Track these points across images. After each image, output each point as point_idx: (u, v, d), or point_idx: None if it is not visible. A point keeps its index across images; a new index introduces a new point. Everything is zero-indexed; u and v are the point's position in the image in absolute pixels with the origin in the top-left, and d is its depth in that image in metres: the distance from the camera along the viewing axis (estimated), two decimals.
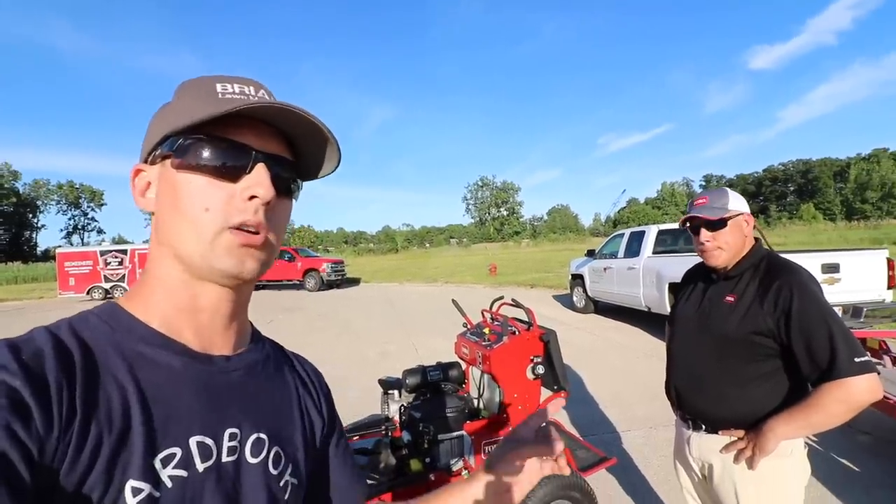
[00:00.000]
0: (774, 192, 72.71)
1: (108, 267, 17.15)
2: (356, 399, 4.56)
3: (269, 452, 0.50)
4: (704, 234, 1.42)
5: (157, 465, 0.40)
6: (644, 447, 3.38)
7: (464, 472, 2.11)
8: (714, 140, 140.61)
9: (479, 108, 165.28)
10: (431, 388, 2.57)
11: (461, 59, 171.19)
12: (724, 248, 1.41)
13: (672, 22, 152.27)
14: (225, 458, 0.46)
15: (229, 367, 0.51)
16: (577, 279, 9.83)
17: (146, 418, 0.41)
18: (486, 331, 2.54)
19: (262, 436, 0.50)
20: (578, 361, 5.61)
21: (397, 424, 2.57)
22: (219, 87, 0.49)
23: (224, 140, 0.47)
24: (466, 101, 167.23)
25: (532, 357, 2.36)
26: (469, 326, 2.82)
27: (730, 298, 1.39)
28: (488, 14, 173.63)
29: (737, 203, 1.43)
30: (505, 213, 76.72)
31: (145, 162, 0.51)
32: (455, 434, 2.24)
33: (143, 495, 0.39)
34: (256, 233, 0.47)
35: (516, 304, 2.58)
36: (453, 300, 3.03)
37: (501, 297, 2.93)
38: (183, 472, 0.42)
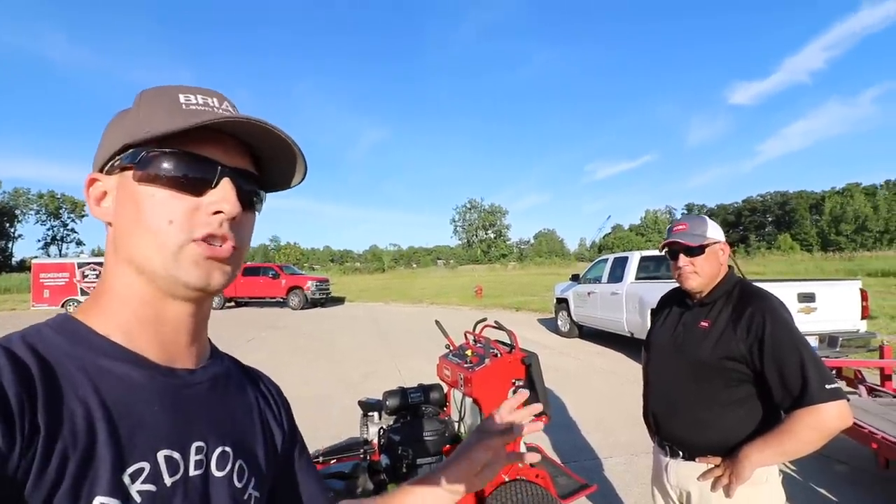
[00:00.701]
0: (753, 223, 74.71)
1: (86, 280, 16.68)
2: (338, 419, 4.47)
3: (233, 466, 0.50)
4: (682, 259, 1.46)
5: (126, 480, 0.40)
6: (625, 474, 3.36)
7: None
8: (696, 170, 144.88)
9: (471, 131, 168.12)
10: (412, 410, 2.54)
11: (454, 84, 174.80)
12: (700, 274, 1.45)
13: (658, 56, 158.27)
14: (192, 472, 0.45)
15: (193, 380, 0.51)
16: (562, 303, 9.87)
17: (112, 433, 0.40)
18: (469, 353, 2.53)
19: (227, 449, 0.50)
20: (562, 386, 5.59)
21: (376, 448, 2.52)
22: (181, 97, 0.48)
23: (189, 154, 0.46)
24: (458, 124, 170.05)
25: (513, 380, 2.35)
26: (452, 348, 2.81)
27: (704, 324, 1.42)
28: (482, 42, 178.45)
29: (714, 231, 1.48)
30: (492, 235, 77.21)
31: (101, 171, 0.50)
32: (434, 458, 2.20)
33: None
34: (221, 245, 0.47)
35: (499, 327, 2.58)
36: (436, 321, 3.02)
37: (484, 319, 2.94)
38: (152, 487, 0.41)
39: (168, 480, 0.43)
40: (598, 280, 8.60)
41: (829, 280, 6.12)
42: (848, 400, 1.23)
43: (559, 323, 9.99)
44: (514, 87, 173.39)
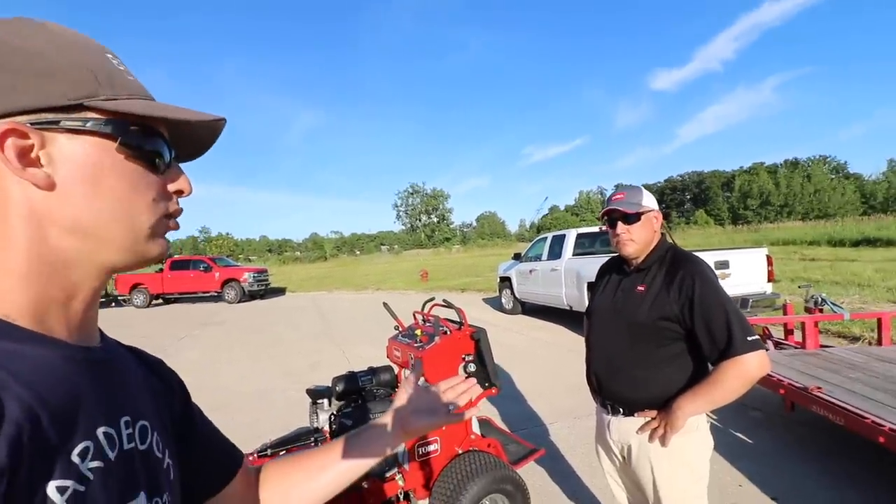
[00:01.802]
0: (674, 200, 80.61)
1: None
2: (284, 412, 4.32)
3: (152, 438, 0.50)
4: (620, 226, 1.56)
5: (76, 459, 0.39)
6: (570, 437, 3.55)
7: (398, 477, 2.07)
8: (623, 152, 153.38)
9: (409, 117, 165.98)
10: (363, 393, 2.50)
11: (390, 69, 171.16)
12: (636, 241, 1.55)
13: (586, 43, 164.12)
14: (126, 446, 0.45)
15: (103, 356, 0.49)
16: (506, 282, 10.15)
17: (51, 416, 0.38)
18: (418, 332, 2.52)
19: (145, 422, 0.50)
20: (508, 360, 5.77)
21: (327, 435, 2.47)
22: (109, 57, 0.48)
23: (160, 134, 0.49)
24: (395, 109, 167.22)
25: (463, 356, 2.38)
26: (401, 329, 2.79)
27: (640, 288, 1.52)
28: (416, 26, 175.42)
29: (649, 200, 1.58)
30: (435, 219, 77.33)
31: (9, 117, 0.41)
32: None
33: (69, 493, 0.37)
34: (175, 221, 0.52)
35: (448, 305, 2.60)
36: (384, 303, 2.98)
37: (433, 299, 2.94)
38: (100, 464, 0.41)
39: (112, 455, 0.43)
40: (538, 258, 8.91)
41: (739, 249, 6.76)
42: (767, 350, 1.37)
43: (503, 301, 10.28)
44: (450, 72, 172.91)
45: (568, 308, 7.83)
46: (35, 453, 0.36)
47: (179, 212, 0.52)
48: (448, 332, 2.41)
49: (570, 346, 6.67)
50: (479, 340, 2.43)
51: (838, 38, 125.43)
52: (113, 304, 16.48)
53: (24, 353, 0.39)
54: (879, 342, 4.01)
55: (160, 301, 16.48)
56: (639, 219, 1.53)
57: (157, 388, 0.59)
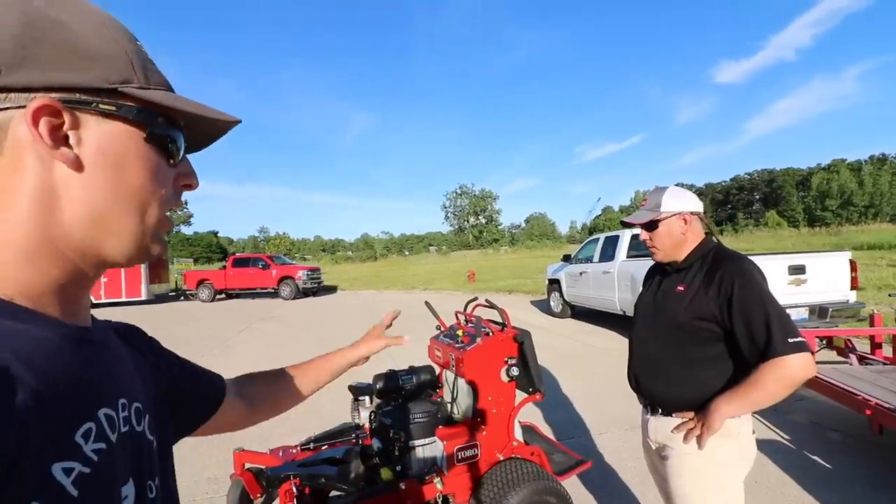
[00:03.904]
0: (741, 201, 75.33)
1: None
2: (330, 406, 4.41)
3: (145, 420, 0.49)
4: (643, 234, 1.57)
5: (80, 440, 0.38)
6: (620, 449, 3.35)
7: (436, 481, 2.02)
8: (684, 150, 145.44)
9: (459, 117, 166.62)
10: (403, 393, 2.48)
11: (442, 69, 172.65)
12: (658, 248, 1.54)
13: (644, 37, 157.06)
14: (123, 428, 0.44)
15: (96, 337, 0.48)
16: (554, 284, 9.87)
17: (54, 396, 0.38)
18: (460, 333, 2.47)
19: (139, 404, 0.49)
20: (556, 365, 5.59)
21: (368, 432, 2.47)
22: (139, 44, 0.47)
23: (178, 125, 0.48)
24: (447, 110, 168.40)
25: (506, 359, 2.30)
26: (442, 329, 2.74)
27: (680, 288, 1.48)
28: (467, 26, 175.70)
29: (672, 203, 1.50)
30: (483, 220, 77.03)
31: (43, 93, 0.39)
32: (427, 440, 2.15)
33: (74, 474, 0.37)
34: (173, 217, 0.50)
35: (490, 305, 2.52)
36: (426, 302, 2.96)
37: (475, 299, 2.87)
38: (102, 445, 0.40)
39: (113, 437, 0.42)
40: (589, 259, 8.59)
41: (818, 252, 6.13)
42: (813, 353, 1.30)
43: (552, 304, 10.01)
44: (501, 71, 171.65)
45: (621, 313, 7.48)
46: (40, 433, 0.35)
47: (181, 206, 0.52)
48: (490, 334, 2.34)
49: (623, 353, 6.34)
50: (522, 343, 2.34)
51: None
52: (182, 297, 17.75)
53: (24, 333, 0.39)
54: None
55: (223, 296, 17.55)
56: (656, 226, 1.52)
57: (145, 365, 0.58)
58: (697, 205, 1.54)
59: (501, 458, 2.19)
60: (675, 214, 1.50)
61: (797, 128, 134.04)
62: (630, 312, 7.15)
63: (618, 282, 7.46)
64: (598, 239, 8.70)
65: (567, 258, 9.59)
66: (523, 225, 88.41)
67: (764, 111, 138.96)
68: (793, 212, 64.09)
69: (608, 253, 8.02)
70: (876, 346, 3.94)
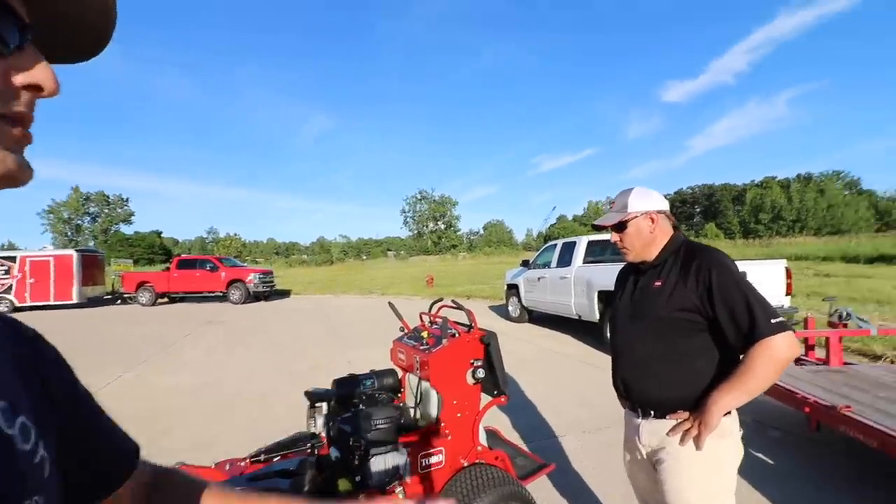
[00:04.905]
0: (683, 213, 79.86)
1: None
2: (283, 415, 4.19)
3: (16, 421, 0.39)
4: (613, 236, 1.58)
5: None
6: (579, 451, 3.37)
7: (398, 490, 1.92)
8: (634, 163, 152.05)
9: (421, 123, 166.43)
10: (364, 398, 2.37)
11: (403, 75, 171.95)
12: (628, 247, 1.55)
13: (599, 54, 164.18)
14: None
15: None
16: (513, 289, 9.98)
17: None
18: (425, 335, 2.39)
19: (4, 403, 0.38)
20: (515, 369, 5.60)
21: (325, 441, 2.33)
22: None
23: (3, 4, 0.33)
24: (408, 115, 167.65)
25: (472, 360, 2.24)
26: (406, 331, 2.65)
27: (658, 283, 1.48)
28: (430, 33, 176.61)
29: (638, 203, 1.53)
30: (442, 226, 77.24)
31: None
32: (389, 448, 2.05)
33: None
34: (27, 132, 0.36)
35: (457, 306, 2.46)
36: (390, 303, 2.86)
37: (441, 299, 2.81)
38: None
39: None
40: (547, 265, 8.74)
41: (757, 260, 6.55)
42: (794, 332, 1.32)
43: (510, 308, 10.10)
44: (462, 80, 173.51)
45: (577, 317, 7.65)
46: None
47: (27, 117, 0.36)
48: (457, 335, 2.27)
49: (580, 357, 6.49)
50: (489, 345, 2.29)
51: (853, 51, 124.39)
52: (118, 301, 16.51)
53: None
54: None
55: (165, 300, 16.48)
56: (625, 227, 1.53)
57: (30, 365, 0.46)
58: (663, 203, 1.55)
59: (466, 464, 2.13)
60: (642, 214, 1.52)
61: (734, 146, 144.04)
62: (586, 317, 7.33)
63: (574, 287, 7.63)
64: (555, 245, 8.87)
65: (526, 263, 9.72)
66: (481, 232, 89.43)
67: (705, 130, 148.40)
68: (729, 224, 68.69)
69: (565, 259, 8.19)
70: (809, 347, 4.22)
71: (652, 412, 1.48)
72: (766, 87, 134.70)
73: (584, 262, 7.80)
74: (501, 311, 10.96)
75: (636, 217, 1.52)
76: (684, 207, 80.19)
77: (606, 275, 6.91)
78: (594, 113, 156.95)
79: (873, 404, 2.82)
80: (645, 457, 1.54)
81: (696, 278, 1.37)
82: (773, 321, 1.26)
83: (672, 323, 1.41)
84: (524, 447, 3.03)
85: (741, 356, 1.34)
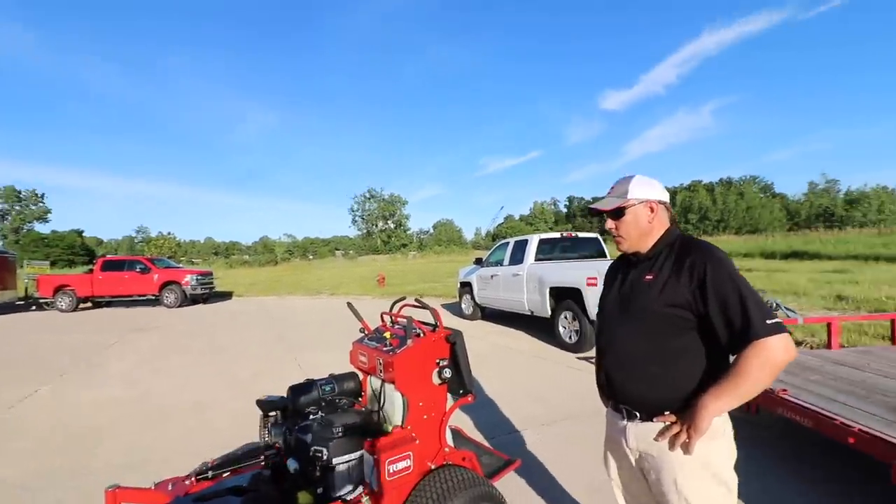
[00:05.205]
0: None
1: None
2: (223, 427, 3.90)
3: None
4: (609, 223, 1.49)
5: None
6: (538, 445, 3.40)
7: (364, 499, 1.81)
8: (575, 166, 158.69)
9: (366, 121, 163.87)
10: (323, 404, 2.22)
11: (349, 72, 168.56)
12: (624, 236, 1.47)
13: (543, 59, 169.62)
14: None
15: None
16: (466, 287, 10.01)
17: None
18: (388, 335, 2.28)
19: None
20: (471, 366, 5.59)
21: (281, 452, 2.17)
22: None
23: None
24: (354, 113, 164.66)
25: (438, 360, 2.17)
26: (366, 332, 2.53)
27: (649, 277, 1.41)
28: (376, 30, 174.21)
29: (639, 190, 1.45)
30: (392, 225, 76.46)
31: None
32: (354, 455, 1.93)
33: None
34: None
35: (421, 305, 2.37)
36: (348, 303, 2.72)
37: (403, 298, 2.71)
38: None
39: None
40: (500, 263, 8.84)
41: None
42: (790, 333, 1.26)
43: (463, 306, 10.13)
44: (409, 80, 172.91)
45: (529, 313, 7.79)
46: None
47: None
48: (422, 335, 2.19)
49: (534, 353, 6.60)
50: (454, 344, 2.23)
51: (767, 66, 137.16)
52: (34, 307, 14.84)
53: None
54: (829, 346, 4.18)
55: (88, 304, 15.03)
56: (623, 213, 1.46)
57: None
58: (664, 193, 1.49)
59: (433, 467, 2.05)
60: (642, 202, 1.44)
61: (666, 152, 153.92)
62: (538, 313, 7.48)
63: (526, 283, 7.76)
64: (507, 243, 8.99)
65: (479, 261, 9.78)
66: (431, 231, 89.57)
67: (639, 136, 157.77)
68: None
69: (517, 257, 8.32)
70: None
71: (637, 414, 1.41)
72: (693, 98, 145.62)
73: (535, 260, 7.96)
74: (454, 309, 10.97)
75: (636, 205, 1.44)
76: None
77: (558, 272, 7.09)
78: (538, 117, 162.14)
79: (805, 387, 3.05)
80: (634, 463, 1.48)
81: (690, 273, 1.31)
82: (768, 322, 1.20)
83: (662, 319, 1.34)
84: (487, 444, 3.00)
85: (732, 358, 1.28)
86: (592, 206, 1.51)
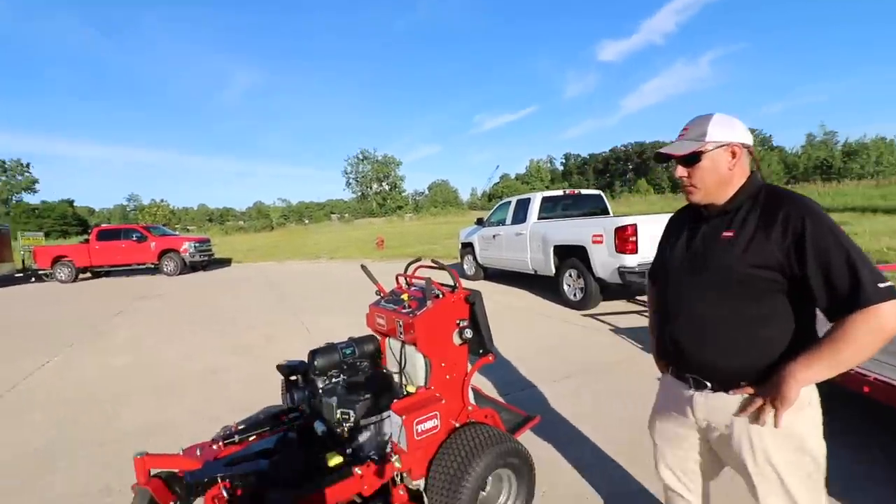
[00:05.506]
0: (618, 170, 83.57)
1: None
2: (240, 392, 3.94)
3: None
4: (679, 170, 1.30)
5: None
6: (551, 400, 3.47)
7: (394, 458, 1.83)
8: (572, 122, 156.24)
9: (358, 81, 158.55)
10: (346, 367, 2.22)
11: (337, 27, 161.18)
12: (698, 186, 1.28)
13: (536, 11, 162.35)
14: None
15: None
16: (467, 247, 9.98)
17: None
18: (405, 297, 2.25)
19: None
20: None
21: (305, 415, 2.18)
22: None
23: None
24: (344, 72, 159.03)
25: (458, 321, 2.15)
26: (382, 294, 2.50)
27: (728, 234, 1.24)
28: None
29: (719, 132, 1.25)
30: (387, 187, 75.62)
31: None
32: (381, 416, 1.94)
33: None
34: None
35: (439, 266, 2.33)
36: (362, 266, 2.67)
37: (419, 259, 2.66)
38: None
39: None
40: (502, 222, 8.77)
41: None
42: None
43: (465, 267, 10.14)
44: (399, 36, 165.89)
45: (533, 272, 7.80)
46: None
47: None
48: (441, 296, 2.15)
49: (539, 310, 6.66)
50: (474, 304, 2.20)
51: (766, 17, 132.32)
52: (33, 279, 14.80)
53: None
54: None
55: (88, 275, 14.98)
56: (698, 159, 1.25)
57: None
58: (747, 135, 1.27)
59: (457, 425, 2.07)
60: (722, 145, 1.24)
61: (663, 105, 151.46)
62: (542, 272, 7.49)
63: (530, 243, 7.73)
64: (510, 202, 8.89)
65: (480, 221, 9.71)
66: (427, 192, 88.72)
67: (637, 89, 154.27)
68: (659, 180, 72.85)
69: (520, 216, 8.24)
70: None
71: (708, 384, 1.29)
72: (692, 47, 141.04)
73: (538, 219, 7.89)
74: (456, 270, 11.00)
75: (715, 149, 1.24)
76: (618, 164, 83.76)
77: (562, 230, 7.04)
78: (533, 72, 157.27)
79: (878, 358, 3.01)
80: (698, 435, 1.38)
81: (783, 228, 1.14)
82: (880, 285, 1.05)
83: (745, 281, 1.19)
84: (503, 401, 3.04)
85: (829, 321, 1.14)
86: (662, 150, 1.31)
